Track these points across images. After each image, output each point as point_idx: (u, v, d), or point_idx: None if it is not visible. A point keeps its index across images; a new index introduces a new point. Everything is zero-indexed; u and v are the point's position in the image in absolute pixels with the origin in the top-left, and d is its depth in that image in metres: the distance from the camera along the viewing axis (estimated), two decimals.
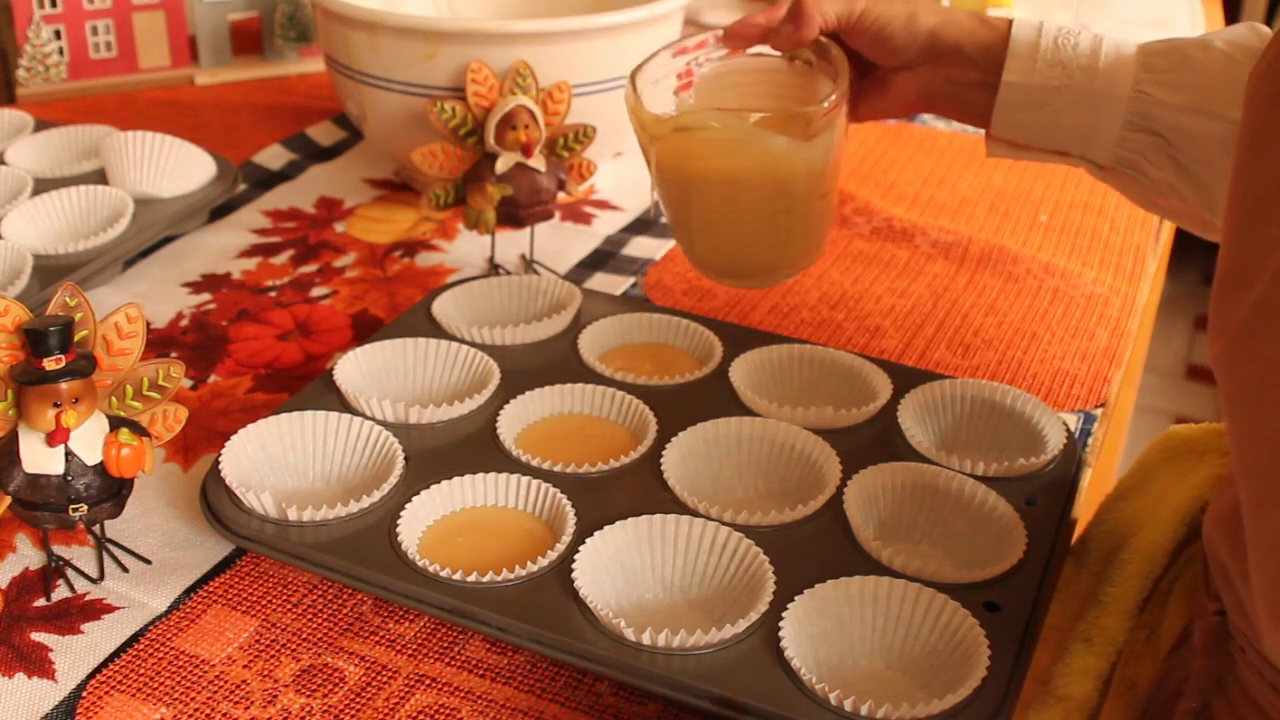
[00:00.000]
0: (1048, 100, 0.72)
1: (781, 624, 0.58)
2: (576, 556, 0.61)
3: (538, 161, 0.88)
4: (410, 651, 0.61)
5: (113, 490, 0.62)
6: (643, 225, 1.03)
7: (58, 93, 1.23)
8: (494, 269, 0.94)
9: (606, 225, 1.03)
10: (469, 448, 0.70)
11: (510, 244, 0.97)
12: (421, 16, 1.00)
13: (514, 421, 0.72)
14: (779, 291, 0.93)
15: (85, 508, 0.61)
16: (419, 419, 0.72)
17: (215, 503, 0.65)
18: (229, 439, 0.67)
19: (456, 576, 0.60)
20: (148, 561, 0.65)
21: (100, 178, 0.97)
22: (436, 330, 0.81)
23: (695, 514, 0.65)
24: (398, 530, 0.63)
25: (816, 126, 0.73)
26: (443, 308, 0.83)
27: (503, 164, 0.87)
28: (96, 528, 0.65)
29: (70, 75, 1.23)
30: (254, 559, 0.66)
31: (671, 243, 1.00)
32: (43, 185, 0.95)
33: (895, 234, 1.02)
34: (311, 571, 0.63)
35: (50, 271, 0.86)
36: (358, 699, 0.58)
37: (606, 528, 0.63)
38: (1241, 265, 0.49)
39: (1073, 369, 0.85)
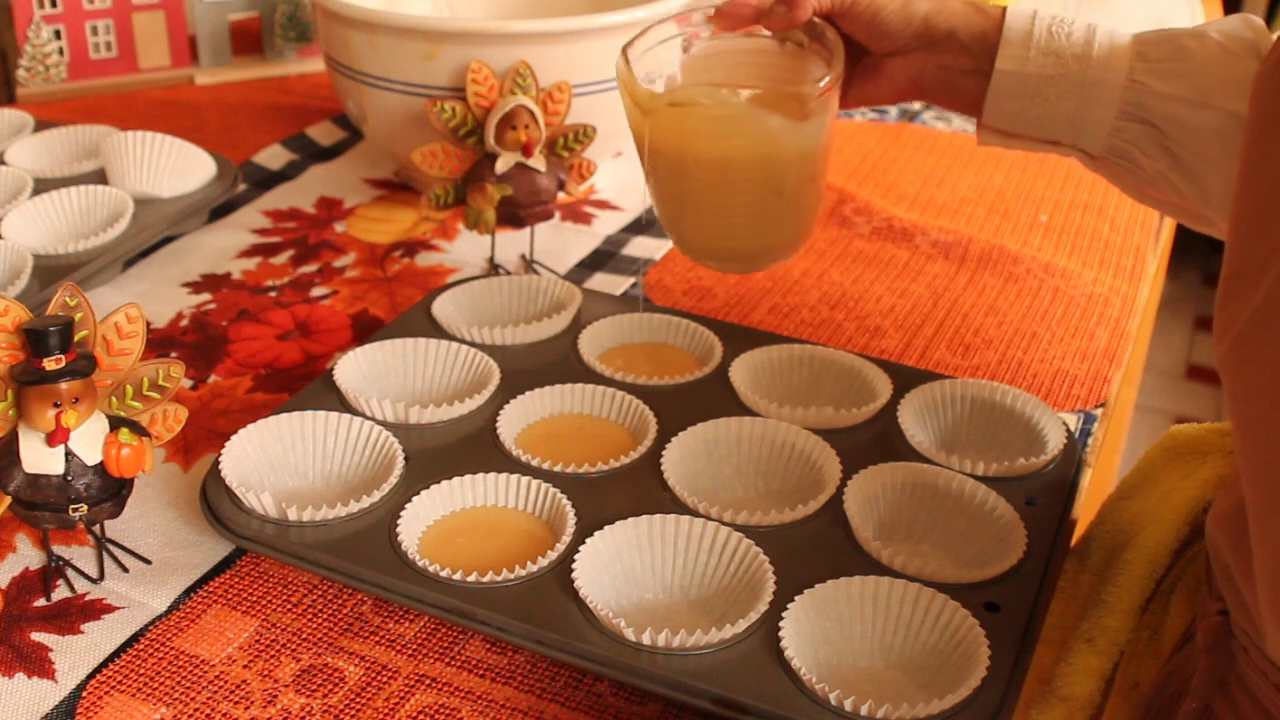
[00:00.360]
0: (1041, 89, 0.71)
1: (781, 624, 0.58)
2: (576, 556, 0.61)
3: (538, 161, 0.88)
4: (410, 651, 0.61)
5: (113, 490, 0.62)
6: (643, 225, 1.03)
7: (58, 93, 1.23)
8: (494, 269, 0.94)
9: (606, 225, 1.03)
10: (469, 448, 0.70)
11: (510, 244, 0.97)
12: (421, 16, 1.00)
13: (514, 421, 0.72)
14: (779, 292, 0.93)
15: (85, 508, 0.61)
16: (419, 419, 0.72)
17: (215, 503, 0.65)
18: (229, 439, 0.67)
19: (456, 576, 0.60)
20: (148, 561, 0.65)
21: (100, 178, 0.97)
22: (436, 330, 0.81)
23: (695, 514, 0.65)
24: (398, 530, 0.63)
25: (811, 108, 0.72)
26: (443, 308, 0.83)
27: (503, 164, 0.87)
28: (96, 528, 0.65)
29: (70, 75, 1.23)
30: (254, 559, 0.66)
31: (671, 242, 1.00)
32: (43, 185, 0.95)
33: (895, 234, 1.02)
34: (311, 571, 0.63)
35: (50, 271, 0.86)
36: (358, 699, 0.58)
37: (606, 528, 0.63)
38: (1247, 264, 0.49)
39: (1073, 369, 0.85)
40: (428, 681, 0.59)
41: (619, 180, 1.10)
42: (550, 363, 0.78)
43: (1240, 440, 0.49)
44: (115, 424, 0.62)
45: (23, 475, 0.60)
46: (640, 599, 0.62)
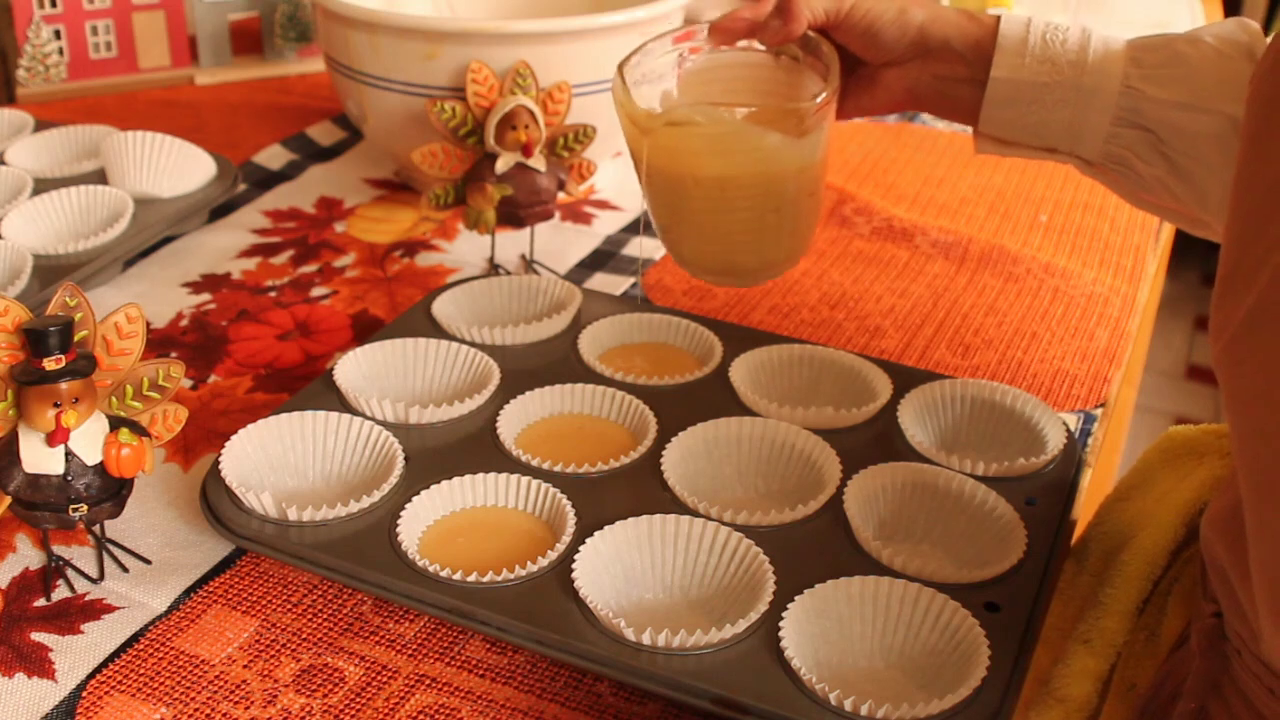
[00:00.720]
0: (1036, 96, 0.71)
1: (781, 624, 0.58)
2: (577, 557, 0.61)
3: (538, 161, 0.88)
4: (410, 651, 0.61)
5: (113, 490, 0.62)
6: (642, 225, 1.03)
7: (58, 93, 1.23)
8: (494, 269, 0.94)
9: (606, 225, 1.03)
10: (469, 448, 0.70)
11: (510, 244, 0.97)
12: (422, 16, 1.00)
13: (514, 421, 0.72)
14: (779, 292, 0.93)
15: (85, 508, 0.61)
16: (419, 419, 0.72)
17: (215, 503, 0.65)
18: (229, 439, 0.67)
19: (456, 577, 0.60)
20: (148, 561, 0.65)
21: (100, 178, 0.97)
22: (436, 330, 0.81)
23: (695, 514, 0.65)
24: (398, 530, 0.63)
25: (808, 124, 0.72)
26: (443, 308, 0.83)
27: (503, 164, 0.87)
28: (96, 528, 0.65)
29: (70, 75, 1.23)
30: (254, 559, 0.66)
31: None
32: (43, 185, 0.95)
33: (895, 234, 1.02)
34: (311, 571, 0.63)
35: (50, 271, 0.86)
36: (358, 699, 0.58)
37: (606, 528, 0.63)
38: (1242, 264, 0.49)
39: (1073, 369, 0.85)
40: (428, 681, 0.59)
41: (619, 180, 1.10)
42: (550, 363, 0.78)
43: (1236, 440, 0.50)
44: (115, 424, 0.62)
45: (23, 475, 0.60)
46: (640, 599, 0.62)
